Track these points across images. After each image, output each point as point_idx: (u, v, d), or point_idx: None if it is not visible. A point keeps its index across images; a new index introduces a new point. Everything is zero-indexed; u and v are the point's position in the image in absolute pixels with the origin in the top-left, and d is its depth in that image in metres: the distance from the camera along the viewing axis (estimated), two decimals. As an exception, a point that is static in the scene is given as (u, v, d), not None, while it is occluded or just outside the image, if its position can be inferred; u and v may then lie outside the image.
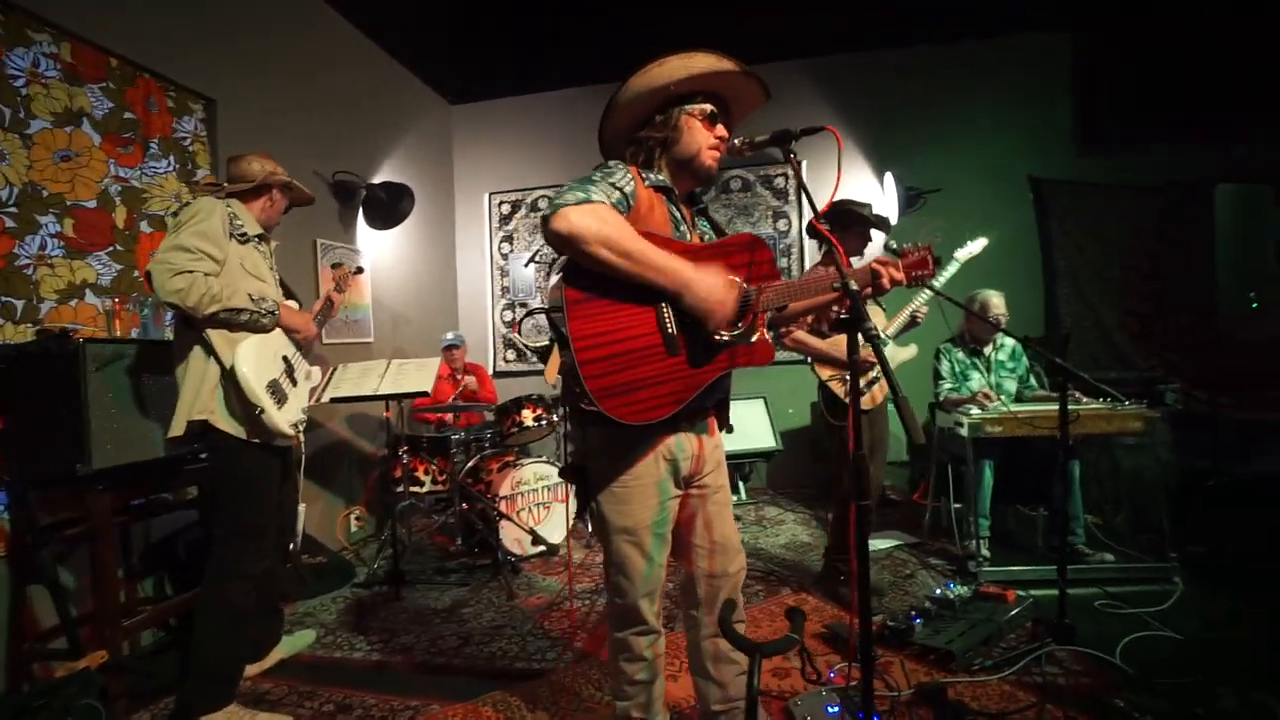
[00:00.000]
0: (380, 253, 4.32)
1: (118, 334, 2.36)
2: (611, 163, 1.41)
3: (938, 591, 2.45)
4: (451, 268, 5.42)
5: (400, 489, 3.56)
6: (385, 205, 4.01)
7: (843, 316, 1.10)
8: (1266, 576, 2.64)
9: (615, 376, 1.26)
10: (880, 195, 4.57)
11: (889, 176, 4.42)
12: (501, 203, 5.40)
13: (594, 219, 1.22)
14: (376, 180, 4.17)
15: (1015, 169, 4.47)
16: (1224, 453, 3.50)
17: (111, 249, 2.54)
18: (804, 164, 4.76)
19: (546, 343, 3.43)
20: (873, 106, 4.72)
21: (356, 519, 3.97)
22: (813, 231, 2.84)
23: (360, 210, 4.06)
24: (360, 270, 2.89)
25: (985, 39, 4.46)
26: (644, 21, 4.04)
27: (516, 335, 3.33)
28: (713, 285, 1.29)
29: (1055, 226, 4.45)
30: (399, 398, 3.02)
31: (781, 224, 4.90)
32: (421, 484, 3.69)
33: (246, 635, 2.04)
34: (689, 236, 1.48)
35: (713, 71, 1.43)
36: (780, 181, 4.88)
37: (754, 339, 1.39)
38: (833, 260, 2.73)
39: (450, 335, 4.29)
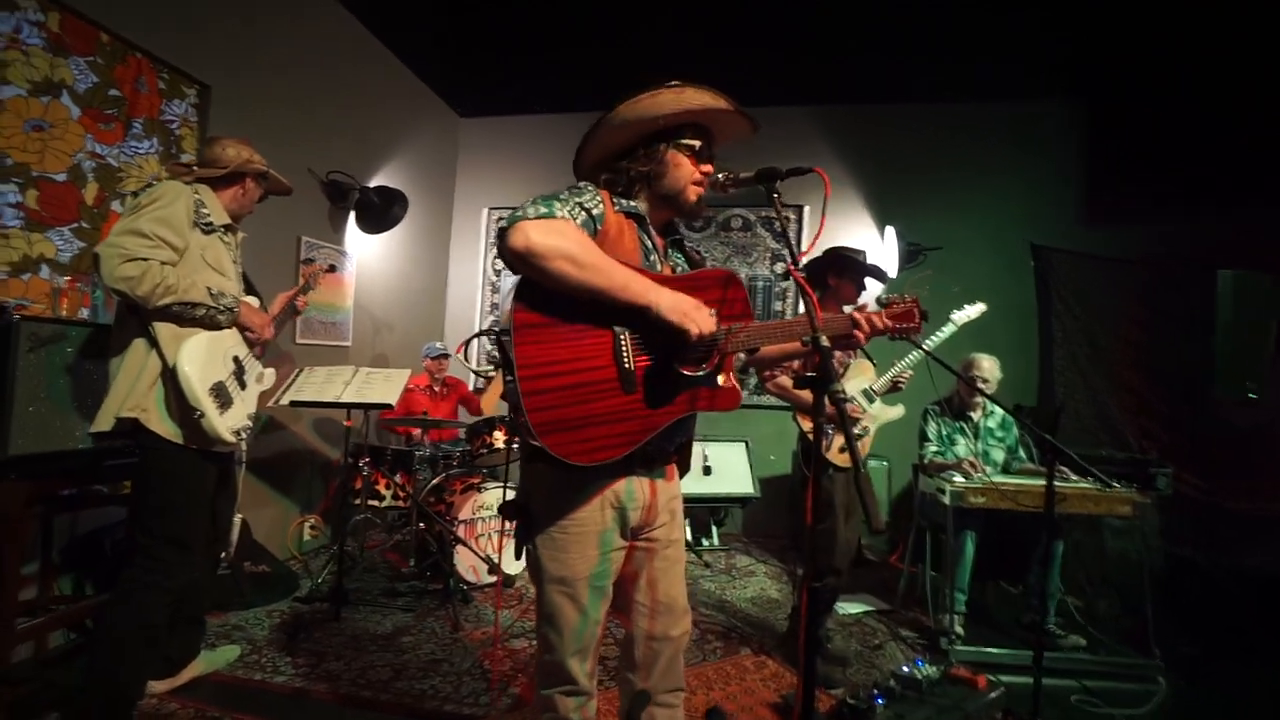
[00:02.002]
0: (369, 256, 4.24)
1: (63, 314, 2.24)
2: (582, 183, 1.33)
3: (905, 669, 2.29)
4: (443, 279, 5.33)
5: (358, 501, 3.40)
6: (377, 209, 3.94)
7: (808, 375, 0.99)
8: (1255, 684, 2.49)
9: (563, 410, 1.15)
10: (880, 248, 4.52)
11: (890, 230, 4.38)
12: (500, 219, 5.35)
13: (554, 234, 1.13)
14: (373, 183, 4.11)
15: (1018, 234, 4.43)
16: (1215, 544, 3.37)
17: (76, 225, 2.44)
18: (804, 209, 4.75)
19: (489, 368, 3.32)
20: (878, 158, 4.70)
21: (311, 528, 3.79)
22: (808, 277, 2.75)
23: (352, 212, 3.98)
24: (332, 268, 2.79)
25: (995, 101, 4.47)
26: (656, 57, 4.03)
27: (460, 357, 3.21)
28: (681, 297, 1.20)
29: (1054, 295, 4.39)
30: (362, 407, 2.89)
31: (779, 267, 4.85)
32: (381, 498, 3.53)
33: (155, 652, 1.88)
34: (659, 267, 1.39)
35: (704, 109, 1.35)
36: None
37: (720, 381, 1.29)
38: (821, 304, 2.65)
39: (439, 344, 4.18)
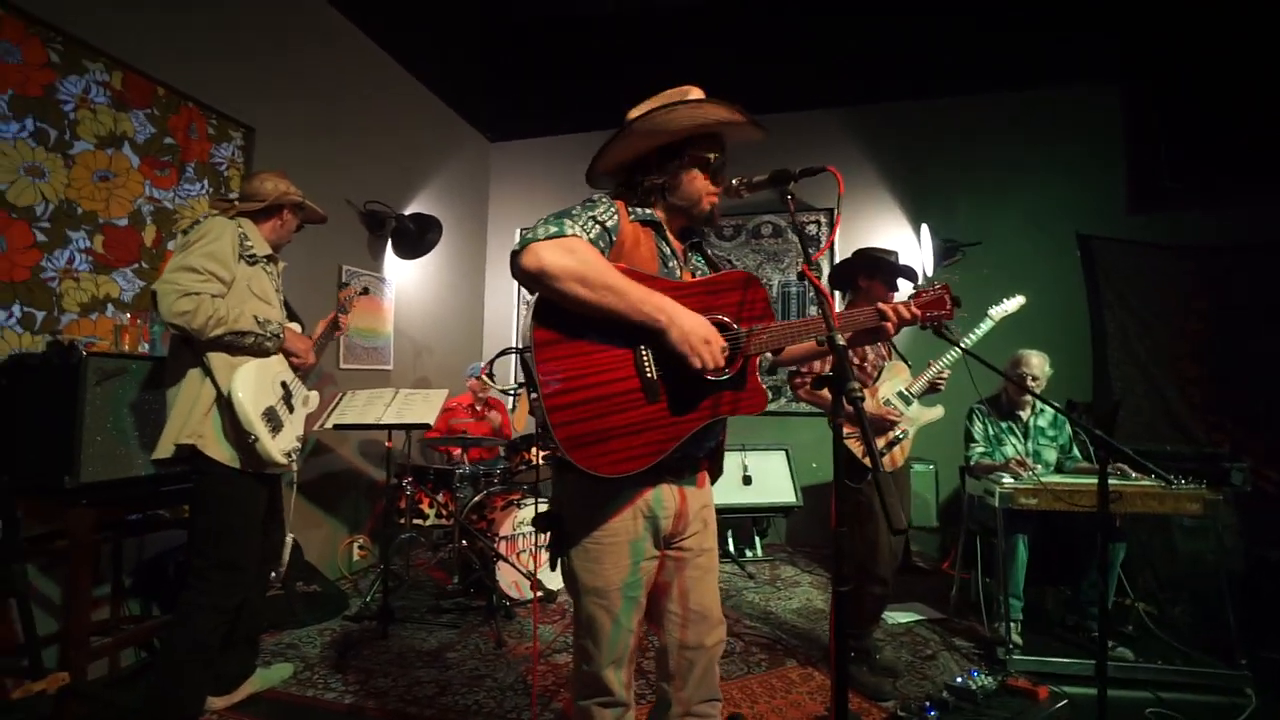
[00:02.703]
0: (406, 282, 4.38)
1: (125, 349, 2.39)
2: (596, 195, 1.35)
3: (959, 680, 2.20)
4: (479, 302, 5.47)
5: (403, 520, 3.49)
6: (413, 235, 4.08)
7: (825, 374, 0.98)
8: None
9: (587, 424, 1.16)
10: (916, 248, 4.42)
11: (925, 228, 4.28)
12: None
13: (566, 254, 1.15)
14: (408, 211, 4.26)
15: (1061, 225, 4.27)
16: (1300, 543, 3.12)
17: (136, 265, 2.62)
18: (835, 212, 4.68)
19: (516, 386, 3.36)
20: (908, 156, 4.61)
21: (360, 548, 3.91)
22: (838, 280, 2.72)
23: (389, 240, 4.14)
24: (366, 291, 2.90)
25: (1031, 88, 4.33)
26: (680, 69, 4.06)
27: (487, 378, 3.27)
28: (695, 323, 1.19)
29: (1104, 285, 4.19)
30: (403, 428, 2.98)
31: (815, 273, 4.78)
32: (426, 517, 3.62)
33: (210, 671, 1.96)
34: (678, 273, 1.39)
35: (719, 122, 1.36)
36: (812, 229, 4.79)
37: (745, 384, 1.28)
38: (853, 305, 2.61)
39: (482, 364, 4.29)
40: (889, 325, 1.38)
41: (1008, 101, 4.39)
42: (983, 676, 2.22)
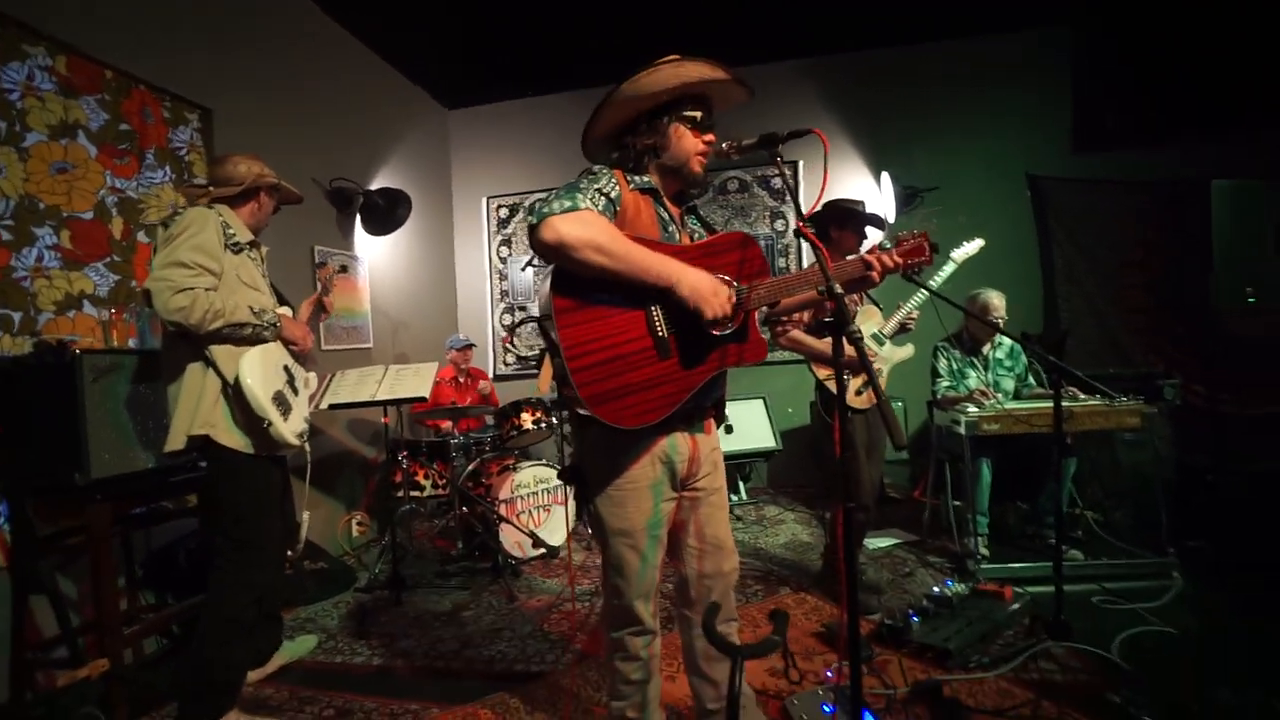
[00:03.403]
0: (378, 258, 4.34)
1: (115, 344, 2.37)
2: (596, 168, 1.42)
3: (936, 590, 2.46)
4: (450, 272, 5.43)
5: (400, 494, 3.58)
6: (382, 211, 4.02)
7: (826, 319, 1.11)
8: (1265, 572, 2.64)
9: (608, 382, 1.27)
10: (877, 195, 4.57)
11: (885, 176, 4.43)
12: (499, 207, 5.42)
13: (582, 225, 1.24)
14: (374, 186, 4.19)
15: (1013, 166, 4.47)
16: (1223, 448, 3.49)
17: (108, 259, 2.56)
18: (799, 164, 4.79)
19: (539, 352, 3.45)
20: (868, 105, 4.72)
21: (358, 524, 3.98)
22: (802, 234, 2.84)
23: (358, 216, 4.07)
24: (343, 269, 2.90)
25: (981, 35, 4.46)
26: (638, 25, 4.05)
27: (511, 345, 3.34)
28: (702, 277, 1.30)
29: (1053, 223, 4.45)
30: (397, 403, 3.03)
31: (779, 224, 4.91)
32: (422, 488, 3.71)
33: (248, 644, 2.05)
34: (678, 236, 1.49)
35: (703, 80, 1.43)
36: (777, 182, 4.89)
37: (747, 337, 1.41)
38: (828, 257, 2.74)
39: (461, 336, 4.33)
40: (874, 274, 1.50)
41: (962, 49, 4.51)
42: (956, 585, 2.49)
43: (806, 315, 2.43)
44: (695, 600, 1.56)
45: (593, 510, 1.46)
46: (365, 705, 2.11)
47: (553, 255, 1.25)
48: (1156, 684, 1.84)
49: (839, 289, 1.14)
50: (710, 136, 1.48)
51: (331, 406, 3.00)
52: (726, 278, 1.38)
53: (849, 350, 2.44)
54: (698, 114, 1.45)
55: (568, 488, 1.49)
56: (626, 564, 1.44)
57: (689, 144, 1.45)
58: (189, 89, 2.93)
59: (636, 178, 1.46)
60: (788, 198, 4.86)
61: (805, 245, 4.82)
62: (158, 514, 2.50)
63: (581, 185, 1.34)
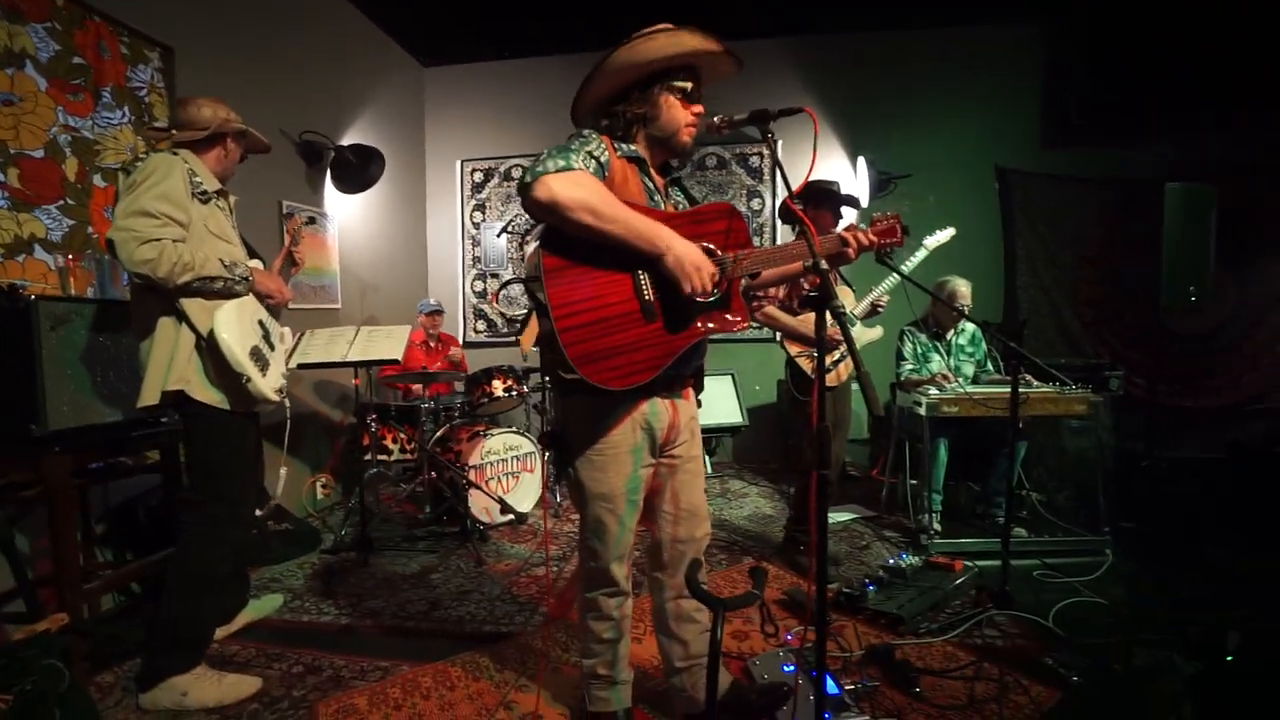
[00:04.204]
0: (349, 217, 4.21)
1: (73, 292, 2.26)
2: (585, 132, 1.42)
3: (891, 561, 2.59)
4: (422, 235, 5.31)
5: (368, 457, 3.54)
6: (354, 168, 3.90)
7: (811, 294, 1.15)
8: (1186, 549, 2.86)
9: (594, 343, 1.29)
10: (853, 178, 4.64)
11: (862, 160, 4.49)
12: (474, 170, 5.29)
13: (575, 185, 1.24)
14: (345, 142, 4.04)
15: (984, 158, 4.59)
16: (1157, 436, 3.73)
17: (62, 203, 2.42)
18: (780, 144, 4.80)
19: (525, 313, 3.42)
20: (848, 89, 4.75)
21: (323, 486, 3.93)
22: (785, 213, 2.89)
23: (328, 172, 3.93)
24: (311, 220, 2.82)
25: (959, 26, 4.51)
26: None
27: (492, 306, 3.30)
28: (689, 249, 1.32)
29: (1018, 215, 4.59)
30: (369, 364, 2.99)
31: (755, 203, 4.94)
32: (389, 452, 3.69)
33: (220, 600, 2.03)
34: (663, 206, 1.51)
35: (698, 51, 1.44)
36: (755, 160, 4.90)
37: (730, 305, 1.44)
38: (814, 233, 2.79)
39: (432, 300, 4.27)
40: (850, 251, 1.56)
41: (940, 36, 4.56)
42: (910, 558, 2.62)
43: (781, 291, 2.49)
44: (668, 564, 1.61)
45: (573, 474, 1.49)
46: (334, 662, 2.13)
47: (545, 214, 1.26)
48: (1086, 648, 2.00)
49: (825, 265, 1.17)
50: (699, 108, 1.49)
51: (300, 366, 2.93)
52: (712, 246, 1.40)
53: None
54: (688, 85, 1.46)
55: (547, 452, 1.52)
56: (605, 527, 1.48)
57: (679, 114, 1.46)
58: (149, 25, 2.76)
59: (624, 146, 1.46)
60: (766, 176, 4.89)
61: (781, 227, 4.87)
62: (115, 469, 2.43)
63: (573, 147, 1.34)
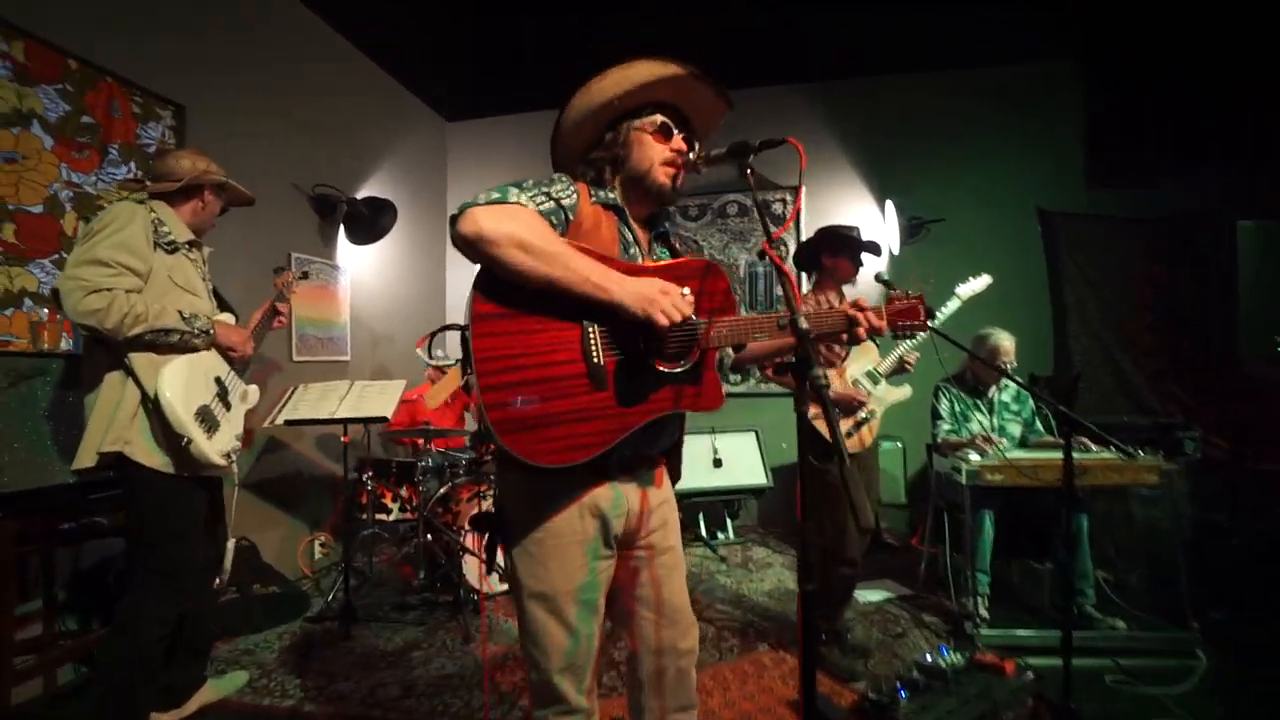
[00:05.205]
0: (362, 269, 4.20)
1: (45, 347, 2.21)
2: (556, 175, 1.26)
3: (928, 658, 2.21)
4: (441, 287, 5.29)
5: (365, 516, 3.37)
6: (366, 220, 3.89)
7: (789, 361, 0.92)
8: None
9: (525, 409, 1.07)
10: (881, 224, 4.40)
11: (889, 205, 4.26)
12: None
13: (507, 219, 1.06)
14: (360, 194, 4.07)
15: (1022, 200, 4.29)
16: (1245, 506, 3.23)
17: (57, 256, 2.41)
18: (802, 190, 4.63)
19: (450, 361, 3.23)
20: (874, 132, 4.57)
21: (321, 545, 3.77)
22: (802, 260, 2.67)
23: (341, 226, 3.94)
24: (305, 275, 2.74)
25: (993, 65, 4.31)
26: (641, 43, 3.93)
27: (421, 352, 3.13)
28: (643, 281, 1.11)
29: (1065, 260, 4.25)
30: (358, 422, 2.85)
31: (779, 251, 4.74)
32: (389, 511, 3.51)
33: (152, 685, 1.84)
34: (639, 260, 1.30)
35: (656, 79, 1.27)
36: (779, 208, 4.73)
37: (701, 379, 1.21)
38: (818, 285, 2.55)
39: (442, 354, 4.18)
40: (860, 331, 1.30)
41: (972, 78, 4.37)
42: (952, 653, 2.23)
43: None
44: (645, 680, 1.32)
45: (508, 565, 1.25)
46: (281, 762, 1.89)
47: (471, 252, 1.08)
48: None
49: (804, 324, 0.94)
50: (678, 143, 1.30)
51: (288, 422, 2.82)
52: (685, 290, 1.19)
53: (840, 388, 2.23)
54: (658, 118, 1.29)
55: (483, 538, 1.29)
56: (544, 633, 1.21)
57: (650, 150, 1.28)
58: (162, 85, 2.81)
59: (602, 192, 1.29)
60: (780, 217, 4.70)
61: (803, 275, 4.63)
62: (84, 530, 2.31)
63: (525, 184, 1.17)
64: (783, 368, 0.95)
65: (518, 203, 1.10)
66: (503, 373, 1.06)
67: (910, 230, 4.25)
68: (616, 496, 1.22)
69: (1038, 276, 4.29)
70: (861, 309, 1.29)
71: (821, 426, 2.38)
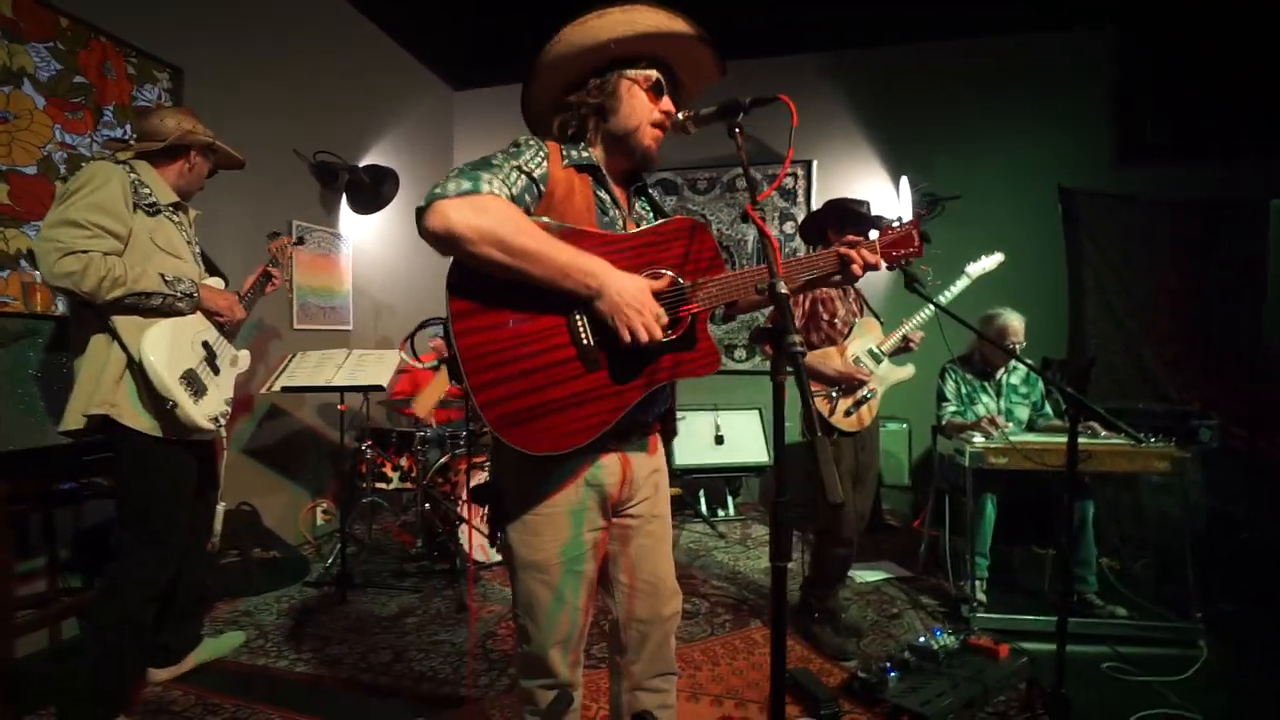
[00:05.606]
0: (364, 238, 4.17)
1: (37, 309, 2.21)
2: (523, 138, 1.19)
3: (921, 639, 2.18)
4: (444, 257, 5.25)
5: (364, 485, 3.40)
6: (368, 189, 3.85)
7: (765, 327, 0.87)
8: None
9: (521, 400, 1.03)
10: (895, 200, 4.28)
11: (904, 180, 4.13)
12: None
13: (478, 213, 1.00)
14: (364, 163, 4.02)
15: (1044, 178, 4.12)
16: (1263, 499, 3.14)
17: (52, 218, 2.40)
18: (813, 164, 4.51)
19: (436, 362, 3.20)
20: (891, 105, 4.41)
21: (323, 512, 3.81)
22: (805, 232, 2.59)
23: (344, 193, 3.90)
24: (301, 241, 2.70)
25: (1015, 34, 4.12)
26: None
27: (405, 353, 3.08)
28: (629, 283, 1.06)
29: (1085, 240, 4.09)
30: (354, 390, 2.84)
31: (788, 226, 4.63)
32: (389, 480, 3.53)
33: (141, 649, 1.86)
34: (621, 223, 1.25)
35: (660, 32, 1.19)
36: (789, 181, 4.61)
37: (694, 344, 1.17)
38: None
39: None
40: (855, 268, 1.25)
41: (993, 47, 4.18)
42: (945, 636, 2.20)
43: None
44: (626, 646, 1.32)
45: (503, 538, 1.23)
46: (270, 717, 1.92)
47: (441, 248, 1.02)
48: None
49: (783, 288, 0.89)
50: (668, 105, 1.24)
51: (285, 389, 2.82)
52: (669, 272, 1.14)
53: (841, 366, 2.17)
54: (653, 74, 1.22)
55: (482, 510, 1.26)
56: (538, 603, 1.20)
57: (641, 106, 1.21)
58: (159, 46, 2.76)
59: (575, 152, 1.22)
60: (800, 198, 4.58)
61: (812, 247, 4.53)
62: (85, 491, 2.33)
63: (495, 161, 1.11)
64: (759, 334, 0.90)
65: (490, 192, 1.04)
66: (491, 369, 1.02)
67: (925, 207, 4.12)
68: (611, 465, 1.19)
69: (1055, 257, 4.15)
70: (853, 244, 1.23)
71: (821, 405, 2.34)
